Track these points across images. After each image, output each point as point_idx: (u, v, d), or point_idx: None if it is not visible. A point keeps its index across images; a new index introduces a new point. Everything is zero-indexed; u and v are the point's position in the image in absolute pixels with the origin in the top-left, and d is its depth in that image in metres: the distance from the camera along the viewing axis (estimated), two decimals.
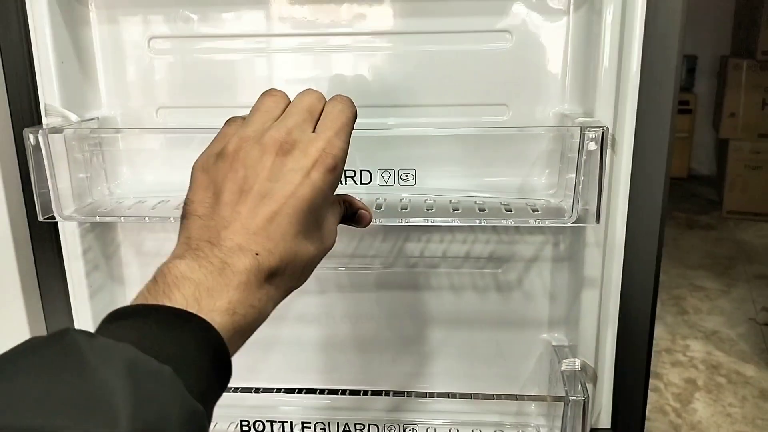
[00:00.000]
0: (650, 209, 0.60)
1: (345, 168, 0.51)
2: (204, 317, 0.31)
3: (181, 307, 0.31)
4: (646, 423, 1.91)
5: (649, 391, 2.00)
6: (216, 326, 0.31)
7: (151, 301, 0.32)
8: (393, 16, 0.62)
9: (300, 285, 0.38)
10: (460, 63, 0.62)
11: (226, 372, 0.32)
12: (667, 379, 2.01)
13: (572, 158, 0.55)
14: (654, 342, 2.01)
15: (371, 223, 0.46)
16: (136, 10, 0.64)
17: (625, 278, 0.61)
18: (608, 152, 0.57)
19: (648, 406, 1.98)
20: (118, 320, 0.31)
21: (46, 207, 0.59)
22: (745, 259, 2.80)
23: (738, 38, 3.39)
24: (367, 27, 0.62)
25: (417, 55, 0.63)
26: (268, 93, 0.40)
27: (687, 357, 2.12)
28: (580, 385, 0.58)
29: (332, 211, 0.41)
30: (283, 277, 0.36)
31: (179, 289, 0.32)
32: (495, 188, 0.63)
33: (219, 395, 0.32)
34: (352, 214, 0.44)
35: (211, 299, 0.32)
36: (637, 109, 0.58)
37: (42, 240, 0.67)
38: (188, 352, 0.30)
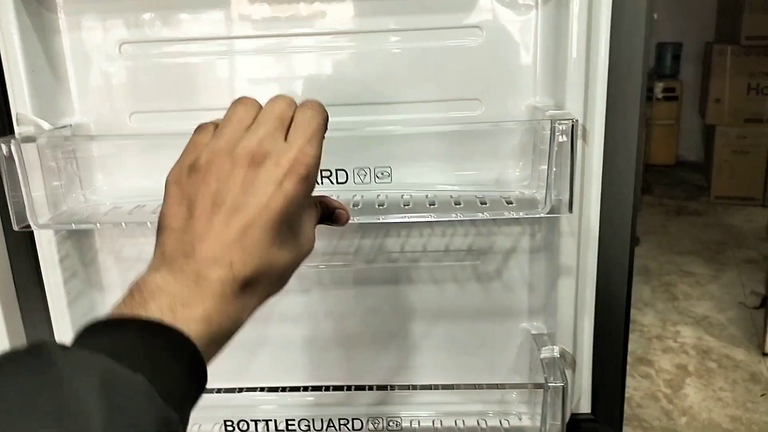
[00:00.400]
0: (623, 197, 0.61)
1: (321, 168, 0.51)
2: (179, 327, 0.32)
3: (157, 318, 0.32)
4: (639, 410, 1.93)
5: (640, 378, 2.01)
6: (191, 335, 0.32)
7: (127, 313, 0.32)
8: (364, 15, 0.63)
9: (277, 292, 0.39)
10: (432, 60, 0.63)
11: (202, 380, 0.33)
12: (658, 365, 2.03)
13: (544, 150, 0.56)
14: (645, 329, 2.03)
15: (349, 222, 0.46)
16: (106, 15, 0.64)
17: (601, 265, 0.63)
18: (579, 143, 0.58)
19: (639, 393, 2.00)
20: (93, 331, 0.31)
21: (21, 216, 0.59)
22: (734, 244, 2.83)
23: (722, 24, 3.42)
24: (341, 26, 0.63)
25: (389, 53, 0.64)
26: (239, 101, 0.40)
27: (678, 343, 2.15)
28: (558, 372, 0.59)
29: (308, 217, 0.41)
30: (258, 287, 0.36)
31: (155, 301, 0.33)
32: (471, 182, 0.64)
33: (195, 403, 0.33)
34: (329, 213, 0.45)
35: (186, 310, 0.33)
36: (607, 100, 0.59)
37: (18, 249, 0.68)
38: (163, 362, 0.30)
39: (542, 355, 0.62)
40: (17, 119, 0.63)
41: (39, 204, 0.61)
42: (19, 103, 0.62)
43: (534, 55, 0.62)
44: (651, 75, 3.53)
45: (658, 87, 3.49)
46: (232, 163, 0.36)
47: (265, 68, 0.65)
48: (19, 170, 0.58)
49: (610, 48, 0.58)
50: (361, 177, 0.62)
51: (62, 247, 0.68)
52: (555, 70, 0.61)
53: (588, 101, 0.59)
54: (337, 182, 0.62)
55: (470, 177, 0.64)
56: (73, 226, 0.63)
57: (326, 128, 0.41)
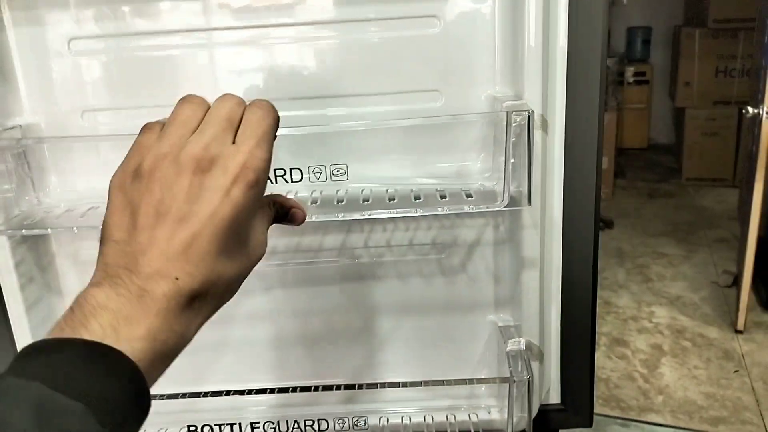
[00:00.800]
0: (585, 187, 0.60)
1: (275, 167, 0.48)
2: (121, 347, 0.30)
3: (99, 337, 0.30)
4: (616, 391, 1.95)
5: (616, 359, 2.03)
6: (135, 354, 0.31)
7: (68, 332, 0.31)
8: (318, 6, 0.61)
9: (226, 302, 0.37)
10: (389, 51, 0.62)
11: (144, 403, 0.31)
12: (634, 346, 2.05)
13: (513, 141, 0.55)
14: (620, 310, 2.05)
15: (307, 220, 0.45)
16: (54, 10, 0.62)
17: (565, 256, 0.62)
18: (539, 134, 0.57)
19: (616, 374, 2.02)
20: (31, 356, 0.30)
21: None
22: (706, 224, 2.87)
23: (690, 8, 3.44)
24: (293, 18, 0.61)
25: (345, 44, 0.62)
26: (185, 100, 0.38)
27: (652, 323, 2.17)
28: (524, 365, 0.58)
29: (260, 220, 0.39)
30: (205, 300, 0.35)
31: (96, 318, 0.31)
32: (432, 174, 0.62)
33: (139, 426, 0.32)
34: (284, 213, 0.43)
35: (129, 327, 0.31)
36: (567, 89, 0.58)
37: None
38: (102, 386, 0.29)
39: (508, 348, 0.60)
40: None
41: None
42: None
43: (493, 45, 0.60)
44: (622, 59, 3.54)
45: (629, 71, 3.50)
46: (177, 170, 0.34)
47: (216, 62, 0.63)
48: None
49: (568, 36, 0.56)
50: (317, 175, 0.60)
51: (17, 252, 0.65)
52: (514, 59, 0.59)
53: (548, 91, 0.58)
54: (292, 180, 0.60)
55: (431, 170, 0.63)
56: (24, 232, 0.60)
57: (277, 128, 0.39)
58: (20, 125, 0.64)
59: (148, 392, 0.32)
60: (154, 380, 0.33)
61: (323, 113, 0.62)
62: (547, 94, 0.58)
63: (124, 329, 0.31)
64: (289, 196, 0.44)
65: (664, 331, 2.13)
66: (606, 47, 0.57)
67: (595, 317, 0.63)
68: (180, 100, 0.38)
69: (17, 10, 0.62)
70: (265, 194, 0.39)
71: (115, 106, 0.65)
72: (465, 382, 0.65)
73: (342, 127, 0.58)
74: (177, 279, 0.33)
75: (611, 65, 3.18)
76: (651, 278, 2.44)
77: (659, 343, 2.06)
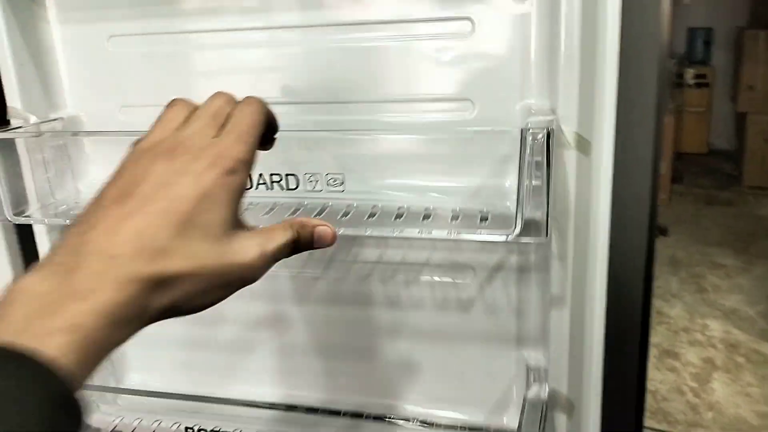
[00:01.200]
0: (636, 216, 0.48)
1: (271, 172, 0.42)
2: (35, 343, 0.25)
3: (11, 333, 0.25)
4: (664, 404, 1.78)
5: (666, 371, 1.86)
6: (53, 350, 0.25)
7: None
8: (342, 6, 0.53)
9: (191, 304, 0.31)
10: (418, 55, 0.53)
11: (69, 405, 0.25)
12: (684, 359, 1.89)
13: (537, 161, 0.45)
14: (671, 321, 1.87)
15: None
16: (96, 8, 0.60)
17: (611, 295, 0.50)
18: (573, 154, 0.46)
19: (665, 386, 1.85)
20: None
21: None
22: (766, 235, 2.62)
23: (754, 8, 3.15)
24: (318, 18, 0.54)
25: (373, 48, 0.54)
26: (170, 104, 0.37)
27: (705, 336, 2.00)
28: (539, 417, 0.47)
29: (251, 233, 0.34)
30: (152, 290, 0.29)
31: (13, 309, 0.26)
32: (452, 192, 0.53)
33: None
34: (308, 235, 0.36)
35: (49, 317, 0.26)
36: (617, 106, 0.46)
37: (26, 236, 0.65)
38: (8, 397, 0.24)
39: (528, 395, 0.50)
40: (10, 112, 0.59)
41: (28, 196, 0.59)
42: (9, 96, 0.59)
43: (529, 51, 0.50)
44: (681, 61, 3.30)
45: (689, 73, 3.25)
46: (150, 158, 0.32)
47: (245, 60, 0.58)
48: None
49: (620, 43, 0.45)
50: (312, 184, 0.53)
51: (51, 237, 0.65)
52: (551, 68, 0.49)
53: (595, 105, 0.47)
54: (288, 188, 0.54)
55: (453, 187, 0.54)
56: (47, 222, 0.59)
57: (268, 126, 0.36)
58: (62, 117, 0.63)
59: (71, 394, 0.25)
60: (86, 376, 0.27)
61: (341, 119, 0.55)
62: (594, 109, 0.47)
63: (38, 321, 0.26)
64: (292, 207, 0.37)
65: (717, 344, 1.95)
66: (665, 60, 0.46)
67: (645, 369, 0.51)
68: (167, 104, 0.36)
69: (62, 9, 0.60)
70: (286, 219, 0.36)
71: (154, 101, 0.60)
72: (481, 430, 0.55)
73: (363, 133, 0.50)
74: (119, 256, 0.28)
75: (670, 67, 2.95)
76: (706, 289, 2.25)
77: (711, 357, 1.89)
